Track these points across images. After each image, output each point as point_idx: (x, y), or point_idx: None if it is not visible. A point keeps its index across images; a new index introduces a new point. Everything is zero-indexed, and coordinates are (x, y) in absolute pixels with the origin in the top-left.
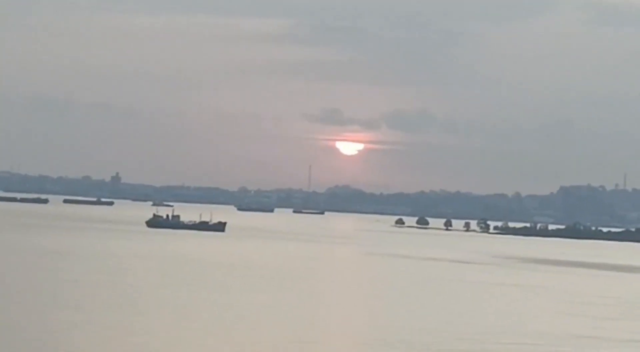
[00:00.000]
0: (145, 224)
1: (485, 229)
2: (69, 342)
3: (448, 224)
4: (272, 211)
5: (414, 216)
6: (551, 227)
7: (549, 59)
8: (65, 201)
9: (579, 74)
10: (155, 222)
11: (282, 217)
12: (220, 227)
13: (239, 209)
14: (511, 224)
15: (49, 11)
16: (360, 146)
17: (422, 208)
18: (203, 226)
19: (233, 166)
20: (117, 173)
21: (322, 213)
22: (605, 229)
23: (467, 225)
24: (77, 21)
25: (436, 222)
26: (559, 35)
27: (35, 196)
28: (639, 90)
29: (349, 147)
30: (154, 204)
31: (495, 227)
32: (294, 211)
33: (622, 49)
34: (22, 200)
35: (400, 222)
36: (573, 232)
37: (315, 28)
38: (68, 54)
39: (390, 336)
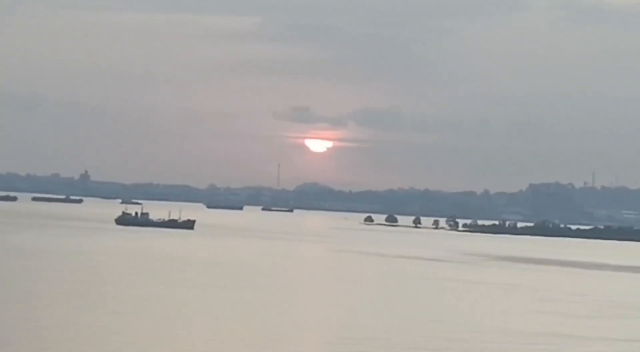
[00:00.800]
0: (114, 222)
1: (454, 226)
2: (36, 340)
3: (417, 222)
4: (241, 208)
5: (383, 213)
6: (520, 224)
7: (519, 57)
8: (34, 199)
9: (549, 72)
10: (124, 220)
11: (251, 215)
12: (189, 224)
13: (208, 207)
14: (480, 222)
15: (18, 9)
16: (329, 144)
17: (391, 206)
18: (172, 224)
19: (202, 164)
20: (86, 171)
21: (291, 211)
22: (574, 227)
23: (436, 223)
24: (46, 19)
25: (405, 220)
26: (529, 33)
27: (3, 193)
28: (609, 89)
29: (317, 145)
30: (123, 202)
31: (464, 225)
32: (263, 209)
33: (594, 48)
34: None
35: (369, 220)
36: (542, 230)
37: (285, 26)
38: (37, 51)
39: (361, 333)
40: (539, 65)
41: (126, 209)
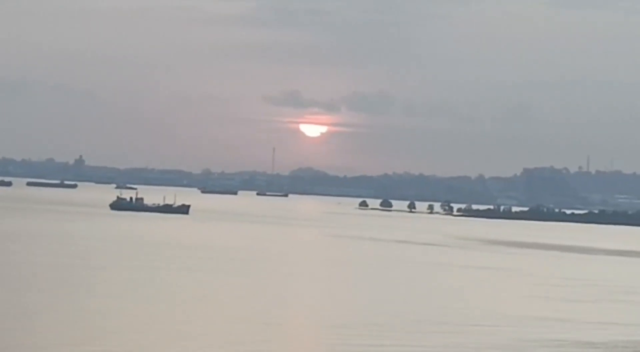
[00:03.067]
0: (109, 207)
1: (449, 211)
2: (26, 323)
3: (412, 206)
4: (235, 193)
5: (377, 198)
6: (515, 209)
7: (512, 41)
8: (29, 184)
9: (542, 57)
10: (118, 205)
11: (246, 200)
12: (184, 209)
13: (203, 192)
14: (475, 206)
15: None
16: (324, 129)
17: (386, 190)
18: (167, 209)
19: (196, 149)
20: (81, 156)
21: (286, 195)
22: (568, 211)
23: (430, 207)
24: (37, 3)
25: (400, 205)
26: (522, 18)
27: None
28: (603, 74)
29: (312, 130)
30: (117, 187)
31: (459, 210)
32: (258, 194)
33: (586, 33)
34: None
35: (364, 205)
36: (536, 214)
37: (278, 10)
38: (28, 36)
39: (355, 318)
40: (532, 50)
41: (121, 194)
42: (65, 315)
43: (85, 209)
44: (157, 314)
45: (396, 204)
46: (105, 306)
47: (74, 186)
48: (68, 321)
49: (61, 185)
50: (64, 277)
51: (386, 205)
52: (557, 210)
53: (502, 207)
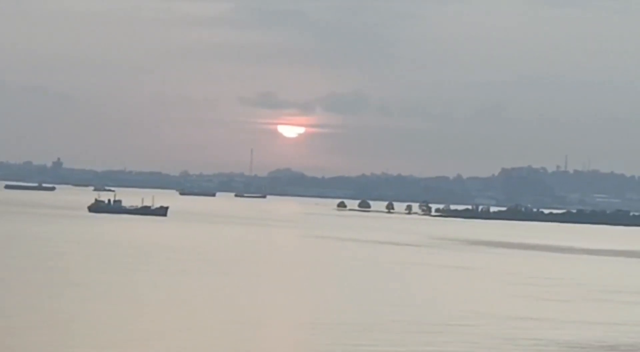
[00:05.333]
0: (87, 209)
1: (427, 211)
2: (4, 325)
3: (390, 207)
4: (214, 195)
5: (355, 199)
6: (493, 209)
7: (486, 41)
8: (7, 187)
9: (519, 56)
10: (97, 207)
11: (224, 201)
12: (162, 211)
13: (181, 194)
14: (453, 207)
15: None
16: (301, 130)
17: (364, 191)
18: (145, 211)
19: (175, 151)
20: (59, 158)
21: (264, 197)
22: (546, 211)
23: (409, 208)
24: (13, 5)
25: (378, 205)
26: (497, 18)
27: None
28: (580, 73)
29: (289, 131)
30: (95, 189)
31: (437, 210)
32: (236, 195)
33: (563, 31)
34: None
35: (342, 206)
36: (514, 214)
37: (255, 11)
38: (4, 38)
39: (333, 319)
40: (507, 49)
41: (99, 196)
42: (38, 317)
43: (63, 211)
44: (133, 315)
45: (374, 204)
46: (80, 308)
47: (52, 189)
48: (40, 323)
49: (39, 187)
50: (39, 280)
51: (364, 206)
52: (535, 209)
53: (480, 207)
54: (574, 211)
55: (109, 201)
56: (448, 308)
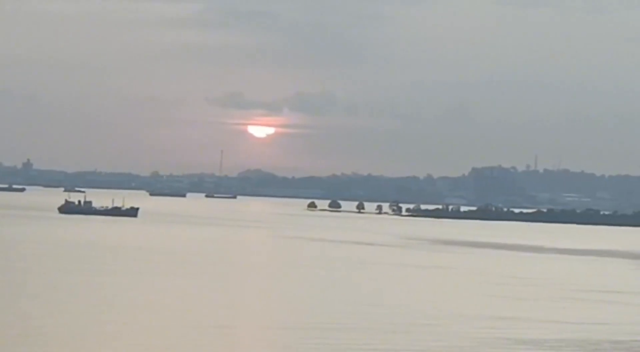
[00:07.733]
0: (57, 210)
1: (397, 211)
2: None
3: (360, 207)
4: (184, 195)
5: (326, 199)
6: (463, 208)
7: (454, 42)
8: None
9: (488, 56)
10: (67, 208)
11: (195, 202)
12: (132, 212)
13: (151, 194)
14: (423, 206)
15: None
16: (270, 130)
17: (334, 191)
18: (115, 212)
19: (144, 151)
20: (29, 159)
21: (235, 197)
22: (516, 210)
23: (379, 207)
24: None
25: (348, 205)
26: (464, 19)
27: None
28: (549, 73)
29: (259, 131)
30: (65, 190)
31: (408, 210)
32: (206, 196)
33: (530, 31)
34: None
35: (312, 206)
36: (485, 214)
37: (224, 12)
38: None
39: (305, 319)
40: (475, 49)
41: (69, 197)
42: (7, 318)
43: (33, 212)
44: (101, 317)
45: (345, 204)
46: (47, 310)
47: (22, 190)
48: (9, 324)
49: (9, 189)
50: (7, 281)
51: (335, 206)
52: (505, 209)
53: (450, 207)
54: (545, 210)
55: (80, 202)
56: (420, 308)
